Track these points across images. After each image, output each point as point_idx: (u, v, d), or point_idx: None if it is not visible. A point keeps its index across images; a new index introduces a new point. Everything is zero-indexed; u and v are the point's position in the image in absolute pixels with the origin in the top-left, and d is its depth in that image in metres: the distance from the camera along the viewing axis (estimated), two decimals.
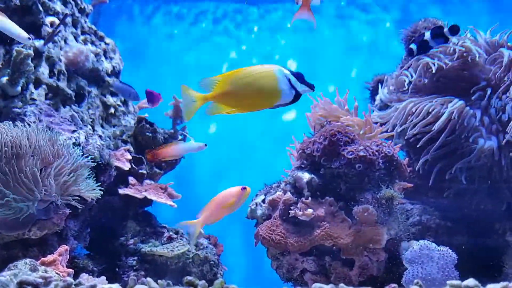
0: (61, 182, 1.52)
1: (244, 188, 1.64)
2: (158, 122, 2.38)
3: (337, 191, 1.80)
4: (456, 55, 1.97)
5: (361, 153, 1.71)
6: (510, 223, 1.89)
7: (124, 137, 2.31)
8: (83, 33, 2.42)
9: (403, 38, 2.38)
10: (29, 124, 1.62)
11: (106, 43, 2.55)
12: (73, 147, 1.68)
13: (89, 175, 1.70)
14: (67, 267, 1.50)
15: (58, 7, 2.23)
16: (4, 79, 1.86)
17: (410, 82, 2.08)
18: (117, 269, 1.99)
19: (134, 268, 1.98)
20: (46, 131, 1.62)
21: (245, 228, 2.09)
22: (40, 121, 1.82)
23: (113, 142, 2.23)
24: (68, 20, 2.31)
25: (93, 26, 2.50)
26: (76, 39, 2.33)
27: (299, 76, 1.27)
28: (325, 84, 2.02)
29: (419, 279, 1.49)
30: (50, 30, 2.11)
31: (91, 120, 2.23)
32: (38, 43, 2.04)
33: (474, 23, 2.10)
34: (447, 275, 1.55)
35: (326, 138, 1.77)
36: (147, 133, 2.29)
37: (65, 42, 2.23)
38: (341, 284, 0.96)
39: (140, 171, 2.20)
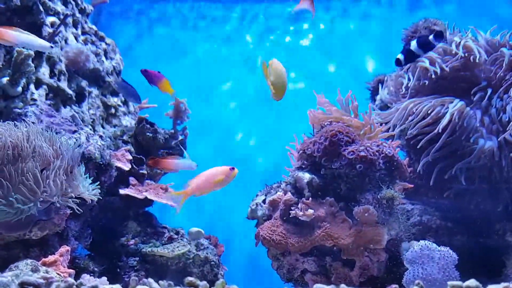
0: (60, 182, 1.52)
1: (233, 169, 1.69)
2: (159, 122, 2.38)
3: (337, 191, 1.80)
4: (458, 55, 1.97)
5: (362, 154, 1.71)
6: (510, 224, 1.88)
7: (124, 137, 2.31)
8: (83, 33, 2.42)
9: (404, 38, 2.38)
10: (30, 125, 1.62)
11: (106, 43, 2.55)
12: (73, 146, 1.68)
13: (89, 175, 1.70)
14: (68, 267, 1.50)
15: (59, 7, 2.23)
16: (5, 79, 1.86)
17: (407, 87, 2.08)
18: (118, 270, 1.99)
19: (135, 268, 1.98)
20: (47, 131, 1.62)
21: (246, 228, 2.10)
22: (40, 121, 1.82)
23: (114, 143, 2.24)
24: (69, 20, 2.31)
25: (93, 26, 2.50)
26: (76, 39, 2.33)
27: None
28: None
29: (419, 279, 1.49)
30: (50, 30, 2.12)
31: (91, 120, 2.23)
32: None
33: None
34: (447, 275, 1.55)
35: (327, 139, 1.77)
36: (148, 133, 2.29)
37: (66, 42, 2.23)
38: (342, 285, 0.96)
39: (141, 171, 2.20)
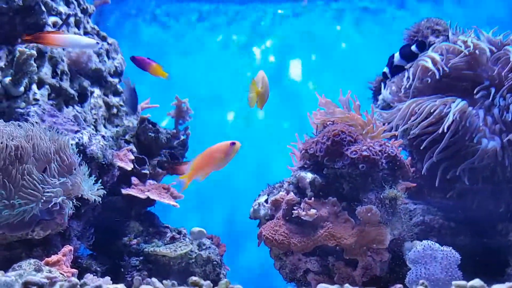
0: (62, 182, 1.52)
1: (234, 143, 1.57)
2: (159, 122, 2.39)
3: (340, 191, 1.80)
4: (462, 53, 1.96)
5: (365, 153, 1.71)
6: None
7: (126, 137, 2.31)
8: (85, 33, 2.43)
9: (406, 38, 2.38)
10: (33, 124, 1.62)
11: (108, 43, 2.56)
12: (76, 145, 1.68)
13: (91, 175, 1.70)
14: (71, 267, 1.50)
15: (61, 7, 2.23)
16: (7, 79, 1.86)
17: (409, 86, 2.08)
18: (120, 270, 1.99)
19: (137, 268, 1.99)
20: (49, 131, 1.62)
21: (248, 228, 2.09)
22: (43, 121, 1.82)
23: (116, 142, 2.24)
24: (71, 20, 2.31)
25: (95, 26, 2.51)
26: None
27: None
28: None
29: (422, 279, 1.49)
30: (52, 30, 2.12)
31: (94, 120, 2.23)
32: None
33: None
34: (450, 275, 1.55)
35: (329, 138, 1.77)
36: (150, 133, 2.30)
37: None
38: (346, 285, 0.96)
39: (143, 171, 2.20)
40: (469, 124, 1.85)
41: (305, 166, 1.87)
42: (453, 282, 0.89)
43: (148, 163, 2.24)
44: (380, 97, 2.28)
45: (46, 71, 2.04)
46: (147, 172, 2.22)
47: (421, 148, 1.88)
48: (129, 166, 2.10)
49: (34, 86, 1.95)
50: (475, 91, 1.93)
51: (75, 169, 1.60)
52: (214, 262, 2.05)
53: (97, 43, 1.89)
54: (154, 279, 0.94)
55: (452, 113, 1.82)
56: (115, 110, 2.40)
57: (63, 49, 2.17)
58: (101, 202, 1.71)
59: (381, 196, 1.70)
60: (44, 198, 1.47)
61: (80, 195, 1.62)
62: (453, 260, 1.57)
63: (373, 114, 1.92)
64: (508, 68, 1.89)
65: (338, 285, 0.95)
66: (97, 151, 1.84)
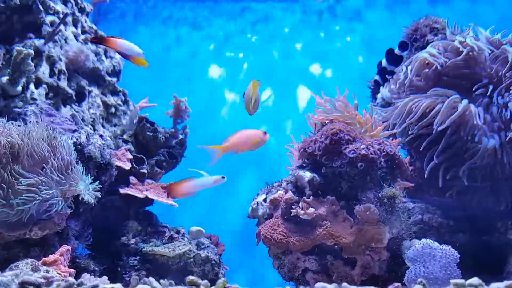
0: (60, 181, 1.51)
1: (265, 133, 1.72)
2: (159, 121, 2.38)
3: (338, 190, 1.79)
4: (459, 50, 1.95)
5: (363, 152, 1.71)
6: None
7: (125, 136, 2.31)
8: (83, 32, 2.42)
9: (405, 37, 2.37)
10: (30, 123, 1.61)
11: None
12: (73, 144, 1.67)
13: (89, 175, 1.70)
14: (69, 267, 1.49)
15: (58, 6, 2.22)
16: (5, 78, 1.86)
17: (407, 81, 2.07)
18: (118, 269, 1.99)
19: (136, 268, 1.98)
20: (45, 130, 1.62)
21: (247, 227, 2.09)
22: (40, 120, 1.81)
23: (114, 142, 2.23)
24: (69, 19, 2.30)
25: (93, 25, 2.50)
26: (76, 38, 2.33)
27: None
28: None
29: (421, 278, 1.48)
30: (50, 29, 2.11)
31: (91, 119, 2.23)
32: (39, 42, 2.04)
33: None
34: (449, 273, 1.55)
35: (328, 137, 1.76)
36: (148, 133, 2.29)
37: (66, 41, 2.23)
38: (344, 284, 0.96)
39: (141, 170, 2.19)
40: (468, 122, 1.84)
41: (304, 165, 1.87)
42: (452, 281, 0.89)
43: (146, 163, 2.24)
44: (379, 95, 2.28)
45: (43, 70, 2.04)
46: (146, 171, 2.21)
47: (420, 146, 1.88)
48: (127, 166, 2.10)
49: (31, 86, 1.95)
50: (473, 89, 1.93)
51: (72, 169, 1.60)
52: (213, 262, 2.05)
53: (143, 53, 1.96)
54: (151, 279, 0.93)
55: (459, 111, 1.81)
56: (113, 109, 2.40)
57: (61, 47, 2.17)
58: (99, 201, 1.71)
59: (380, 195, 1.70)
60: (42, 198, 1.47)
61: (77, 195, 1.62)
62: (452, 258, 1.57)
63: (371, 112, 1.91)
64: (506, 67, 1.89)
65: (336, 284, 0.95)
66: (94, 151, 1.84)
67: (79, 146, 1.79)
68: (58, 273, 1.37)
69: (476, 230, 1.91)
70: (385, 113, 2.09)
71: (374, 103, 2.33)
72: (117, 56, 2.53)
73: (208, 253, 2.06)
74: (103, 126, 2.33)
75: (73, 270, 1.48)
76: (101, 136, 1.98)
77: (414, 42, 2.28)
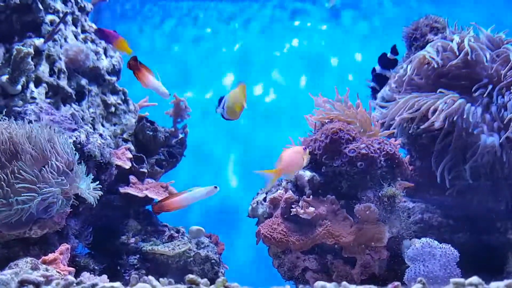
0: (60, 181, 1.51)
1: (305, 148, 1.74)
2: (159, 121, 2.38)
3: (338, 189, 1.79)
4: (461, 53, 1.95)
5: (363, 151, 1.71)
6: None
7: (125, 135, 2.31)
8: (83, 31, 2.41)
9: (405, 36, 2.37)
10: (30, 122, 1.61)
11: None
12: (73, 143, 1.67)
13: (89, 174, 1.70)
14: (68, 266, 1.49)
15: (58, 5, 2.22)
16: (5, 77, 1.85)
17: (406, 78, 2.06)
18: (118, 268, 1.99)
19: (135, 267, 1.98)
20: (45, 129, 1.61)
21: (246, 226, 2.09)
22: (40, 119, 1.81)
23: (114, 141, 2.23)
24: (68, 18, 2.30)
25: (93, 25, 2.49)
26: (76, 37, 2.32)
27: None
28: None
29: (421, 276, 1.48)
30: (50, 28, 2.11)
31: (91, 118, 2.23)
32: (38, 41, 2.04)
33: None
34: (449, 272, 1.55)
35: (328, 136, 1.76)
36: (148, 132, 2.29)
37: (65, 40, 2.23)
38: (344, 283, 0.96)
39: (141, 169, 2.19)
40: (467, 121, 1.84)
41: None
42: (452, 280, 0.89)
43: (146, 162, 2.23)
44: (379, 94, 2.27)
45: (43, 70, 2.03)
46: (145, 170, 2.21)
47: (420, 145, 1.88)
48: (127, 165, 2.10)
49: (31, 85, 1.95)
50: (473, 89, 1.93)
51: (72, 168, 1.60)
52: (213, 261, 2.05)
53: (169, 94, 2.03)
54: (150, 277, 0.93)
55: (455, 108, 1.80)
56: (113, 109, 2.39)
57: (61, 47, 2.17)
58: (99, 200, 1.70)
59: (380, 194, 1.70)
60: (42, 197, 1.46)
61: (78, 194, 1.62)
62: (452, 257, 1.57)
63: (371, 111, 1.91)
64: (507, 67, 1.88)
65: (336, 283, 0.95)
66: (94, 150, 1.84)
67: (79, 145, 1.79)
68: (58, 272, 1.37)
69: (476, 230, 1.91)
70: (385, 109, 2.08)
71: (374, 102, 2.33)
72: (117, 55, 2.53)
73: (208, 252, 2.06)
74: (103, 125, 2.32)
75: (73, 268, 1.48)
76: (101, 135, 1.98)
77: (414, 42, 2.28)
